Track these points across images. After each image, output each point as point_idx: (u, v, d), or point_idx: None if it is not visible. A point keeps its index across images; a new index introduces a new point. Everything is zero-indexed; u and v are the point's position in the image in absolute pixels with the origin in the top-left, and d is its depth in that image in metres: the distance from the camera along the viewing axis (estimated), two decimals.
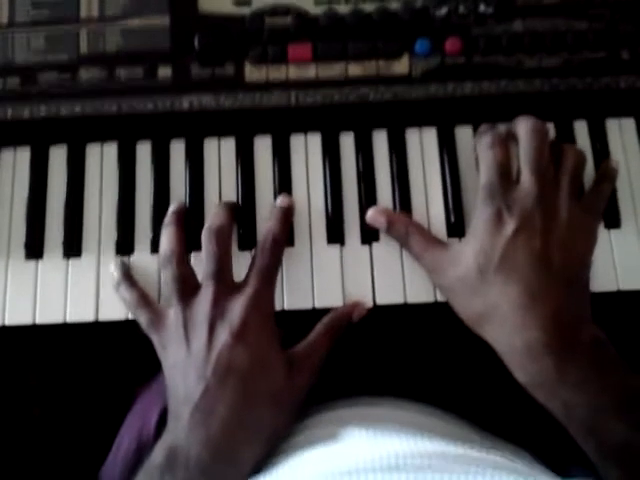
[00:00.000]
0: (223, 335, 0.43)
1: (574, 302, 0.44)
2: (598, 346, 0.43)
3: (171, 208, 0.49)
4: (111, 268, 0.48)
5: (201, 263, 0.46)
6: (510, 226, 0.44)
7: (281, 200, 0.49)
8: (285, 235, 0.48)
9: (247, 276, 0.46)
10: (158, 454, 0.41)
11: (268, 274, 0.46)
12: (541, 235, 0.44)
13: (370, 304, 0.48)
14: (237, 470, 0.41)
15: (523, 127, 0.47)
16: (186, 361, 0.43)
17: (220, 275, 0.45)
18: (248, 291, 0.44)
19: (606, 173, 0.50)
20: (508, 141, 0.48)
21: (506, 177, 0.46)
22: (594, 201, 0.48)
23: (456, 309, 0.46)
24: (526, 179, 0.45)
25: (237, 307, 0.44)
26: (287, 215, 0.48)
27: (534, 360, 0.42)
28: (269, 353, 0.44)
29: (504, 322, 0.43)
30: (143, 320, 0.46)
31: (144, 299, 0.46)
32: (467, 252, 0.45)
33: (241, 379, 0.42)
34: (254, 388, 0.42)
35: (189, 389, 0.42)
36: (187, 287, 0.45)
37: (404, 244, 0.48)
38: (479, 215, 0.46)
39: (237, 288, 0.45)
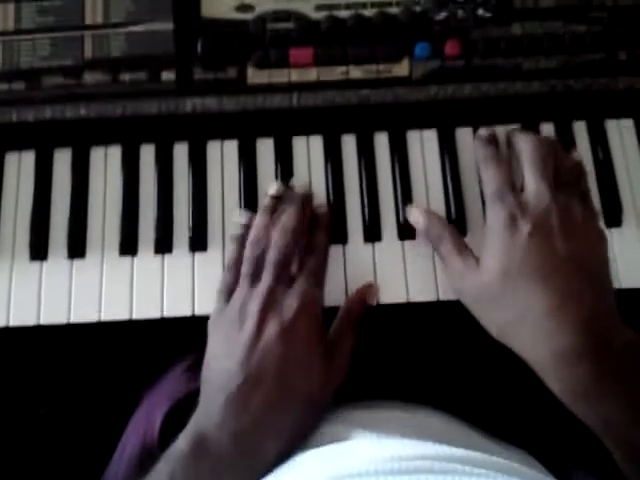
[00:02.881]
0: (273, 328, 0.43)
1: (605, 303, 0.42)
2: (634, 349, 0.41)
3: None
4: (235, 217, 0.49)
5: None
6: (525, 227, 0.43)
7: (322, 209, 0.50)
8: (329, 239, 0.49)
9: (298, 275, 0.46)
10: (183, 441, 0.41)
11: (318, 275, 0.47)
12: (560, 236, 0.43)
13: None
14: (261, 465, 0.41)
15: (524, 143, 0.47)
16: (234, 342, 0.43)
17: (281, 267, 0.45)
18: (300, 290, 0.45)
19: (581, 171, 0.49)
20: (507, 158, 0.48)
21: (511, 186, 0.46)
22: (589, 201, 0.48)
23: (482, 321, 0.45)
24: (533, 185, 0.45)
25: (289, 303, 0.44)
26: (327, 222, 0.50)
27: (570, 367, 0.40)
28: (312, 354, 0.43)
29: (535, 328, 0.41)
30: (224, 281, 0.47)
31: (238, 264, 0.47)
32: (487, 259, 0.44)
33: (280, 376, 0.42)
34: (292, 387, 0.42)
35: (230, 374, 0.42)
36: (256, 271, 0.46)
37: (435, 247, 0.48)
38: (492, 221, 0.45)
39: (292, 284, 0.45)
